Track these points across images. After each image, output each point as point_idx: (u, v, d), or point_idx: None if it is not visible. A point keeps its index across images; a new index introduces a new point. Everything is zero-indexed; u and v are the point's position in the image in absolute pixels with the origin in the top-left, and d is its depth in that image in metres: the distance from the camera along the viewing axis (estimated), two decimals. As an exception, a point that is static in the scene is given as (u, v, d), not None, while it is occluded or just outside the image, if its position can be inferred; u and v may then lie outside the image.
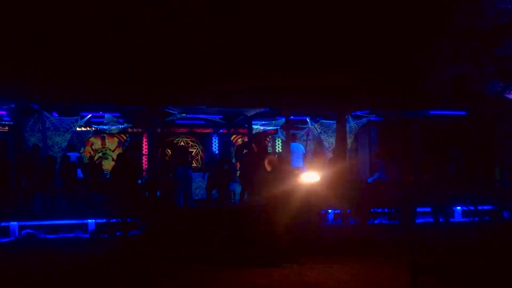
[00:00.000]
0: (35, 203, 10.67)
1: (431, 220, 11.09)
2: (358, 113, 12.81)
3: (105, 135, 14.62)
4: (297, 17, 13.01)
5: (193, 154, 15.13)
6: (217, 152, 14.90)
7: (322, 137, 13.29)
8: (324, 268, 6.53)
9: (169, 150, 12.87)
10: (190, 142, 15.40)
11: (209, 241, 7.98)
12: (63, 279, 6.16)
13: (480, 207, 11.03)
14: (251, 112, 12.28)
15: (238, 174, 12.49)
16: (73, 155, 11.92)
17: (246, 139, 14.18)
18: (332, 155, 12.49)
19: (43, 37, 12.31)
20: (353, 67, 12.18)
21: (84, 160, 12.70)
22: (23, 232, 9.66)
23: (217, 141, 15.29)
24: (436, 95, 12.39)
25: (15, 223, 9.75)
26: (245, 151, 11.57)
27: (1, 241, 9.36)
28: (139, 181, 11.63)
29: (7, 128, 12.79)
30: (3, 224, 9.63)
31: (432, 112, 12.86)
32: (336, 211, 11.19)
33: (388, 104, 12.25)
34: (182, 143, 15.16)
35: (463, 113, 13.13)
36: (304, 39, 12.74)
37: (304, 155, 13.58)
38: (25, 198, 10.62)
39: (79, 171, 11.82)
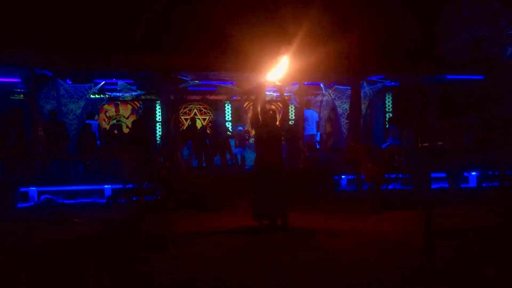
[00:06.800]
0: (52, 170, 10.85)
1: (446, 185, 11.07)
2: (373, 78, 12.60)
3: (119, 102, 14.65)
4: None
5: (206, 121, 15.24)
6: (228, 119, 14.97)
7: (336, 103, 13.15)
8: (337, 230, 6.58)
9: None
10: (203, 109, 15.40)
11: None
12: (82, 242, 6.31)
13: (496, 173, 10.95)
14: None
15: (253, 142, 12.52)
16: (94, 124, 12.07)
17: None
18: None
19: (57, 4, 12.25)
20: (368, 31, 11.95)
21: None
22: (42, 197, 9.88)
23: (229, 108, 15.24)
24: (453, 59, 12.13)
25: (34, 188, 9.98)
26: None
27: (22, 205, 9.59)
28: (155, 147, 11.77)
29: (22, 95, 12.90)
30: (22, 189, 9.86)
31: (449, 76, 12.60)
32: (350, 177, 11.21)
33: (404, 69, 12.02)
34: (195, 110, 15.20)
35: (481, 77, 12.86)
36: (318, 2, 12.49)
37: (318, 122, 13.54)
38: (43, 165, 10.79)
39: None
